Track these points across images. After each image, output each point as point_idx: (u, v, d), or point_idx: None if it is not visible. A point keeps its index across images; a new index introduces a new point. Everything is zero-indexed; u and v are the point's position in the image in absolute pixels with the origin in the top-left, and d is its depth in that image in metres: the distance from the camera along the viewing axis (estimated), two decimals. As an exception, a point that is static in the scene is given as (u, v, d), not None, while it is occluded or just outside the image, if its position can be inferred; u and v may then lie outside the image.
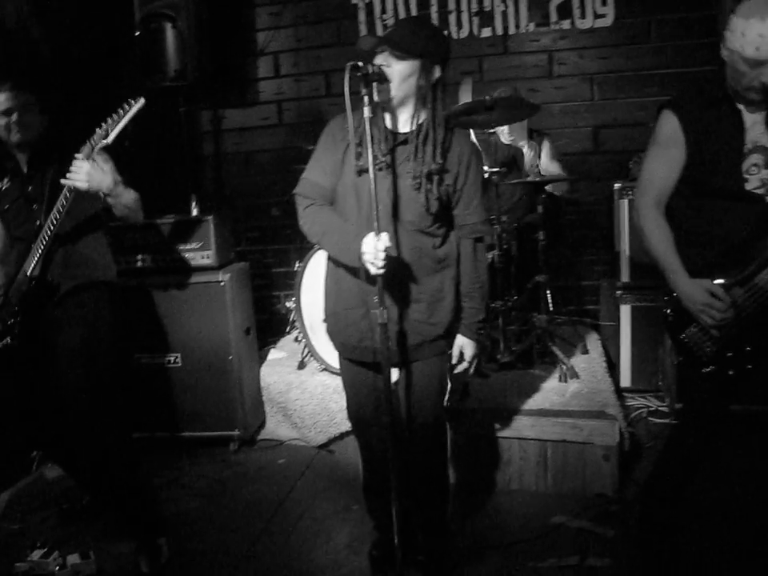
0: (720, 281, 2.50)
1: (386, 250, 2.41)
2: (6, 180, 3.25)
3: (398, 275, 2.61)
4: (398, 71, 2.49)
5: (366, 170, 2.45)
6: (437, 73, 2.55)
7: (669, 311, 2.66)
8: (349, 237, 2.55)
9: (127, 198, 3.14)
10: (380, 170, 2.54)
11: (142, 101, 2.81)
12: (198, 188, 5.55)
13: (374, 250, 2.40)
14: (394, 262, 2.53)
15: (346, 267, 2.68)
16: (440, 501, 3.04)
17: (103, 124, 2.85)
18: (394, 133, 2.63)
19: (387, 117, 2.63)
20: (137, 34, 4.95)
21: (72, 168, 2.87)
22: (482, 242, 2.78)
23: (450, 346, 2.84)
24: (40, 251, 3.00)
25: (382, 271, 2.43)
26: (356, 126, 2.48)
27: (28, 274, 3.03)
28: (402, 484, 2.69)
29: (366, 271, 2.50)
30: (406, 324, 2.71)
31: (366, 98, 2.41)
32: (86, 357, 3.06)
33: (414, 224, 2.63)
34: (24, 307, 3.06)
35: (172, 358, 4.34)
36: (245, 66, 5.83)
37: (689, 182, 2.59)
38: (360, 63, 2.40)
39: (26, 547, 3.32)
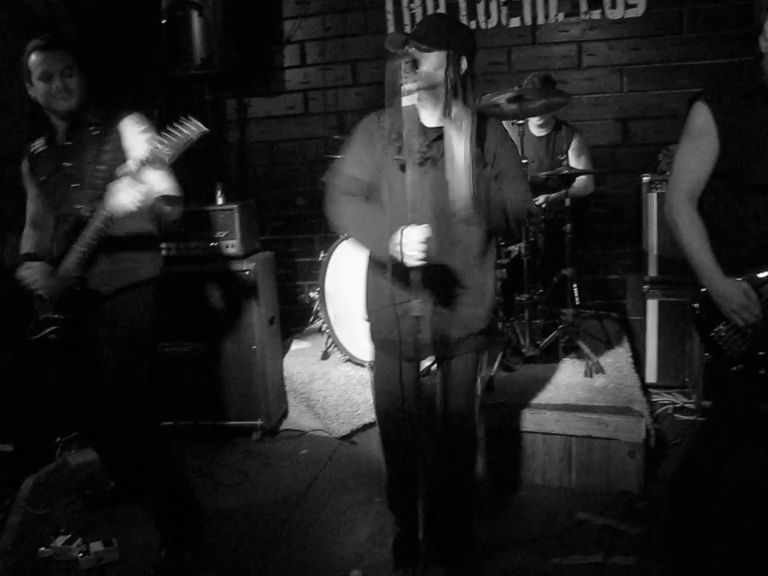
0: (763, 274, 2.47)
1: (426, 241, 2.39)
2: (41, 141, 3.17)
3: (440, 269, 2.61)
4: (429, 62, 2.51)
5: (404, 165, 2.47)
6: (463, 64, 2.55)
7: (698, 308, 2.61)
8: (383, 229, 2.50)
9: (171, 213, 3.05)
10: (421, 164, 2.53)
11: (202, 127, 2.60)
12: (223, 177, 5.55)
13: (413, 241, 2.39)
14: (434, 255, 2.48)
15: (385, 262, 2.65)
16: (467, 498, 3.02)
17: (155, 144, 2.57)
18: (431, 128, 2.64)
19: (422, 113, 2.63)
20: (163, 21, 4.94)
21: (117, 190, 2.70)
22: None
23: (488, 344, 2.86)
24: (84, 255, 2.91)
25: (419, 263, 2.41)
26: (393, 121, 2.53)
27: (70, 274, 2.97)
28: (430, 480, 2.67)
29: (395, 266, 2.47)
30: (450, 317, 2.71)
31: (404, 88, 2.40)
32: (126, 352, 3.05)
33: (457, 217, 2.57)
34: (66, 306, 3.05)
35: (196, 347, 4.34)
36: (271, 54, 5.80)
37: (721, 176, 2.53)
38: (402, 50, 2.44)
39: (49, 533, 3.34)
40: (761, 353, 2.49)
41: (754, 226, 2.49)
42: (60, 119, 3.07)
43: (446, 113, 2.55)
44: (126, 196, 2.67)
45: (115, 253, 3.03)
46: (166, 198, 2.95)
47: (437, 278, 2.62)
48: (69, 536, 3.26)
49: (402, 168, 2.53)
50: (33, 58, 2.96)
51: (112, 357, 3.04)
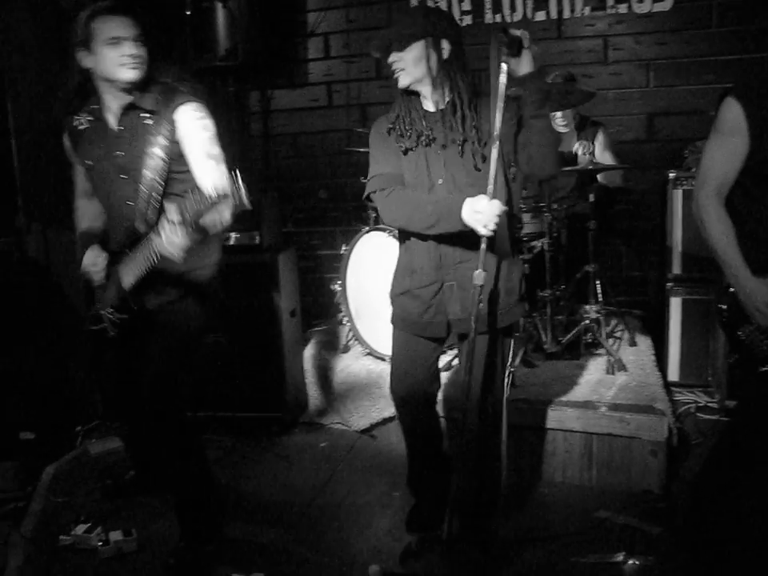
0: None
1: (500, 213, 2.50)
2: (85, 116, 2.97)
3: (452, 244, 2.72)
4: (408, 59, 2.62)
5: (411, 149, 2.70)
6: (445, 46, 2.62)
7: (724, 307, 2.54)
8: (448, 202, 2.61)
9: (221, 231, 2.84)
10: (427, 144, 2.68)
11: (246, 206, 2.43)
12: (246, 169, 5.55)
13: (489, 211, 2.48)
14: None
15: (420, 246, 2.77)
16: (491, 482, 3.01)
17: (201, 195, 2.39)
18: (431, 113, 2.73)
19: (422, 99, 2.74)
20: (188, 13, 4.95)
21: (164, 239, 2.53)
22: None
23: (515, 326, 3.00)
24: (140, 271, 2.81)
25: (491, 233, 2.52)
26: (395, 114, 2.74)
27: (125, 287, 2.91)
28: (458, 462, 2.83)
29: (445, 238, 2.67)
30: (461, 293, 2.75)
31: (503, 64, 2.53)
32: (176, 356, 3.03)
33: (476, 184, 2.65)
34: (121, 308, 3.00)
35: (217, 338, 4.34)
36: (294, 46, 5.80)
37: (750, 174, 2.46)
38: (509, 32, 2.57)
39: (69, 521, 3.36)
40: None
41: None
42: (118, 93, 2.85)
43: (444, 100, 2.70)
44: (171, 248, 2.54)
45: (169, 267, 2.81)
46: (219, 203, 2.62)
47: (463, 254, 2.72)
48: (89, 524, 3.28)
49: (405, 152, 2.71)
50: (98, 21, 2.76)
51: (161, 358, 3.00)
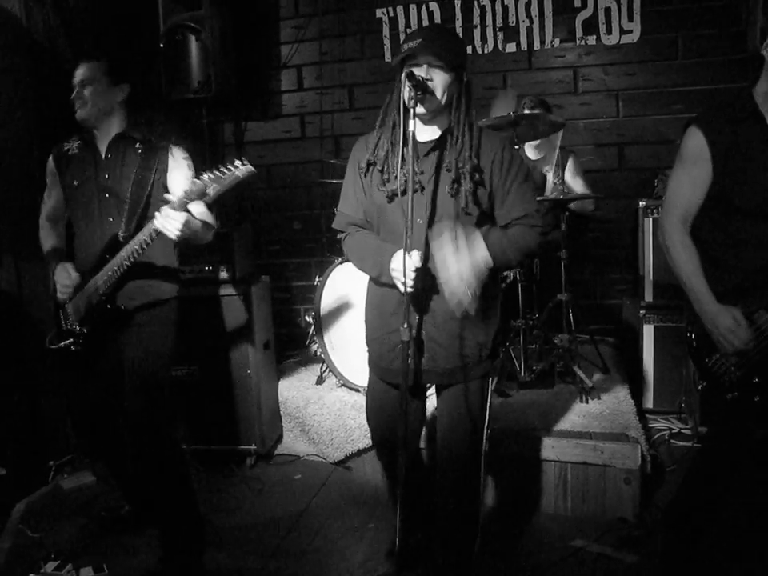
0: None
1: (416, 270, 2.45)
2: (76, 143, 3.24)
3: (437, 294, 2.62)
4: (441, 82, 2.53)
5: (398, 195, 2.57)
6: (466, 79, 2.62)
7: (692, 335, 2.58)
8: (384, 256, 2.59)
9: (204, 238, 3.13)
10: (415, 191, 2.56)
11: (249, 167, 2.64)
12: (219, 200, 5.55)
13: (402, 267, 2.43)
14: (428, 280, 2.56)
15: (387, 290, 2.69)
16: (463, 542, 2.91)
17: (203, 178, 2.64)
18: (423, 143, 2.66)
19: (417, 129, 2.61)
20: (161, 45, 4.96)
21: (164, 216, 2.75)
22: (533, 228, 2.69)
23: (490, 371, 2.82)
24: (116, 275, 2.98)
25: (411, 290, 2.46)
26: (377, 148, 2.66)
27: (100, 292, 3.03)
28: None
29: (393, 291, 2.60)
30: (450, 342, 2.68)
31: (412, 111, 2.45)
32: (151, 368, 3.11)
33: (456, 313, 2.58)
34: (91, 321, 3.09)
35: (190, 371, 4.32)
36: (268, 78, 5.83)
37: (715, 201, 2.50)
38: (414, 71, 2.47)
39: (40, 558, 3.31)
40: (755, 380, 2.44)
41: (747, 252, 2.46)
42: (95, 129, 3.17)
43: (441, 129, 2.64)
44: (170, 223, 2.74)
45: (140, 272, 3.06)
46: (204, 225, 3.03)
47: (436, 301, 2.63)
48: (59, 561, 3.23)
49: (390, 199, 2.61)
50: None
51: (136, 372, 3.08)
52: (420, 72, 2.49)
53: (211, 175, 2.61)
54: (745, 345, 2.39)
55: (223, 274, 4.32)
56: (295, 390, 4.59)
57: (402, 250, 2.45)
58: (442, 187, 2.59)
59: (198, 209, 2.92)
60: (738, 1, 4.78)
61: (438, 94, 2.53)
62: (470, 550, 2.92)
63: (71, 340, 3.12)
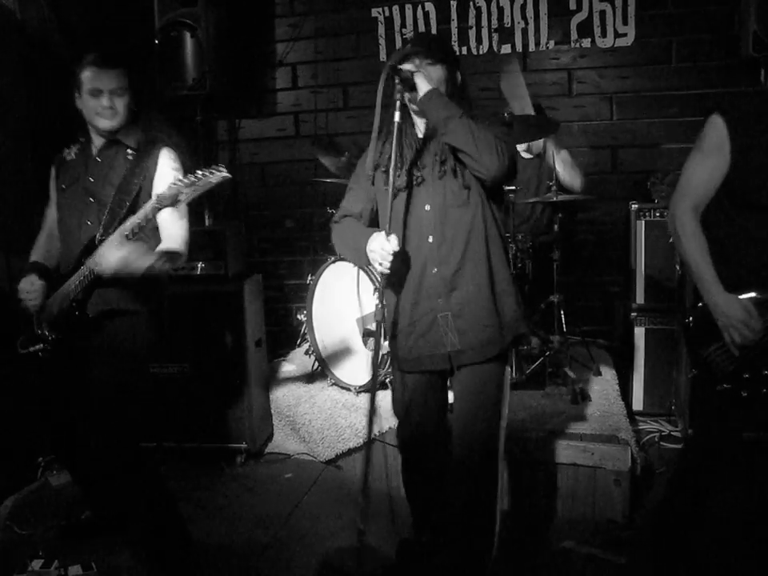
0: (750, 295, 2.43)
1: (393, 253, 2.51)
2: (74, 149, 3.21)
3: (440, 272, 2.68)
4: (434, 75, 2.61)
5: (402, 189, 2.66)
6: (459, 78, 2.71)
7: (690, 322, 2.57)
8: (363, 238, 2.63)
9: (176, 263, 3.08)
10: (419, 183, 2.68)
11: (226, 174, 2.60)
12: (212, 198, 5.54)
13: (380, 249, 2.52)
14: (396, 268, 2.60)
15: (402, 276, 2.73)
16: (479, 539, 2.83)
17: (177, 183, 2.59)
18: (421, 138, 2.75)
19: (417, 123, 2.76)
20: (156, 42, 4.95)
21: (108, 252, 2.73)
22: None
23: (510, 351, 2.86)
24: (89, 279, 2.89)
25: (387, 271, 2.54)
26: (383, 150, 2.74)
27: (71, 296, 2.98)
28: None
29: (429, 263, 2.68)
30: (458, 322, 2.69)
31: (398, 103, 2.55)
32: (117, 387, 3.02)
33: (464, 204, 2.66)
34: (60, 325, 3.05)
35: (181, 368, 4.31)
36: (263, 76, 5.84)
37: (730, 193, 2.47)
38: (398, 65, 2.55)
39: (26, 556, 3.29)
40: (746, 375, 2.44)
41: (757, 246, 2.44)
42: (98, 135, 3.11)
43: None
44: (112, 259, 2.73)
45: (114, 281, 2.95)
46: (167, 254, 2.97)
47: (440, 279, 2.68)
48: (44, 560, 3.21)
49: (394, 196, 2.62)
50: (87, 72, 3.00)
51: (102, 381, 3.00)
52: (410, 66, 2.59)
53: (186, 180, 2.57)
54: (755, 335, 2.38)
55: (215, 271, 4.31)
56: (286, 389, 4.59)
57: (380, 232, 2.56)
58: (443, 174, 2.66)
59: (172, 230, 2.99)
60: (732, 6, 4.79)
61: (433, 84, 2.59)
62: (483, 564, 2.83)
63: (41, 346, 3.09)
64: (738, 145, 2.41)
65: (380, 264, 2.54)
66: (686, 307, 2.63)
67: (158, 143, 3.10)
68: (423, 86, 2.55)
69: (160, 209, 2.66)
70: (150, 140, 3.11)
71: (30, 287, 3.09)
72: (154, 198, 2.66)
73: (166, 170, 3.04)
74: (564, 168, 4.63)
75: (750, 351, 2.42)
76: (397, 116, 2.53)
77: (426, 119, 2.67)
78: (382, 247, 2.52)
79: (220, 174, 2.58)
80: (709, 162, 2.48)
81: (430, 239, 2.67)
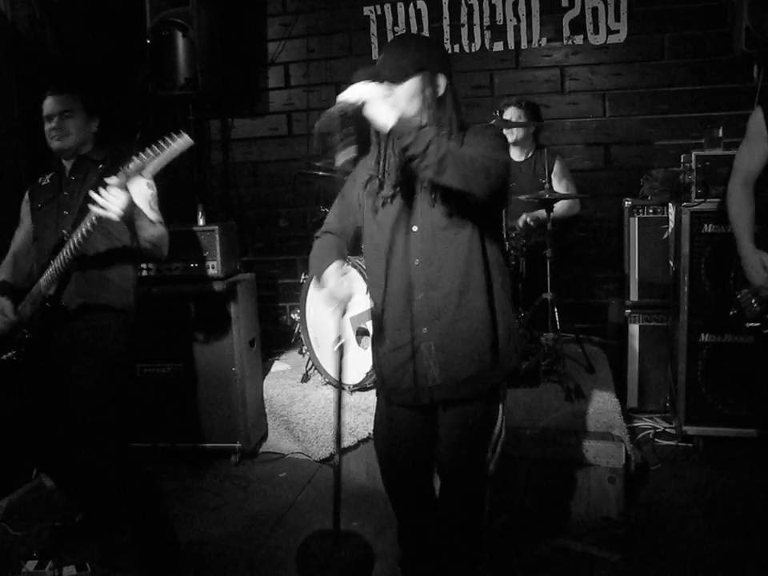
0: None
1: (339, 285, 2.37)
2: (48, 177, 3.33)
3: (442, 294, 2.44)
4: (401, 94, 2.35)
5: (387, 201, 2.46)
6: (442, 81, 2.41)
7: (734, 273, 3.25)
8: (320, 269, 2.49)
9: (151, 232, 3.00)
10: (404, 196, 2.44)
11: (187, 138, 2.58)
12: (205, 198, 5.54)
13: (335, 284, 2.37)
14: (343, 299, 2.40)
15: (390, 296, 2.49)
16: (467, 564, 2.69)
17: (141, 154, 2.60)
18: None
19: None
20: (148, 41, 4.94)
21: (103, 197, 2.69)
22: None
23: (503, 387, 2.57)
24: (58, 272, 2.96)
25: (339, 309, 2.39)
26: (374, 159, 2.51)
27: (42, 292, 3.01)
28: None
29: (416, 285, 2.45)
30: (440, 355, 2.46)
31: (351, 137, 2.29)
32: (98, 385, 3.00)
33: (450, 226, 2.41)
34: (35, 324, 3.05)
35: (175, 368, 4.31)
36: (255, 75, 5.82)
37: None
38: (337, 109, 2.25)
39: (21, 556, 3.29)
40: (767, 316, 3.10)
41: None
42: (64, 159, 3.26)
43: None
44: (111, 201, 2.69)
45: (90, 278, 3.07)
46: (152, 245, 3.06)
47: (423, 309, 2.44)
48: (38, 561, 3.20)
49: (383, 204, 2.48)
50: (44, 102, 3.21)
51: (81, 379, 3.00)
52: (381, 90, 2.30)
53: (149, 152, 2.60)
54: (765, 283, 3.04)
55: (209, 271, 4.31)
56: (280, 388, 4.58)
57: (337, 262, 2.44)
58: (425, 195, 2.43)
59: (152, 231, 3.01)
60: (724, 2, 4.80)
61: (402, 104, 2.33)
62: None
63: (14, 351, 3.08)
64: None
65: (332, 299, 2.38)
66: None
67: (129, 153, 3.00)
68: (381, 118, 2.22)
69: (127, 180, 2.66)
70: (119, 154, 3.18)
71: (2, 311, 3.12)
72: (120, 172, 2.67)
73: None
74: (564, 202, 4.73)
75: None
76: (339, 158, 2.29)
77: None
78: (336, 282, 2.37)
79: (182, 140, 2.59)
80: (751, 145, 3.16)
81: (416, 262, 2.43)
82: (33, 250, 3.29)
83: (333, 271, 2.41)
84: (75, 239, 2.85)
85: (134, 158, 2.61)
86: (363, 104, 2.23)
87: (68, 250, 2.90)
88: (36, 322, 3.06)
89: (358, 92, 2.23)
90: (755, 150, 3.13)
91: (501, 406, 2.56)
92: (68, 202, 3.15)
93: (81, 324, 3.07)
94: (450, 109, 2.42)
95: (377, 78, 2.34)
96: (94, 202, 2.76)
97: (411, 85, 2.36)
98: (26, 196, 3.39)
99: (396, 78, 2.34)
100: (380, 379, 2.64)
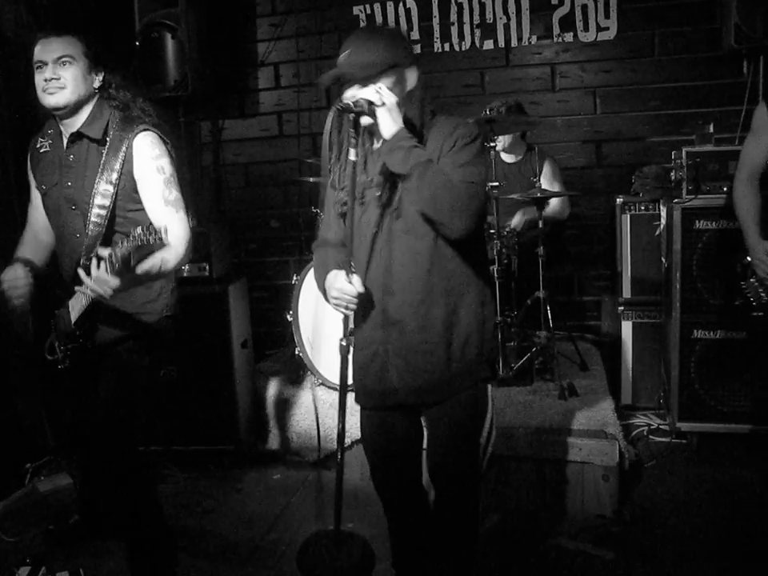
0: None
1: (358, 295, 2.32)
2: (47, 139, 2.90)
3: (400, 300, 2.40)
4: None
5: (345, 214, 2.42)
6: (412, 74, 2.36)
7: (745, 262, 3.24)
8: (324, 275, 2.48)
9: (169, 268, 2.68)
10: (361, 203, 2.42)
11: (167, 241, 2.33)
12: (197, 199, 5.53)
13: (342, 294, 2.33)
14: (368, 303, 2.41)
15: (366, 297, 2.39)
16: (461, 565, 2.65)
17: (126, 241, 2.27)
18: (376, 149, 2.43)
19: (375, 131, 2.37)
20: (137, 43, 4.93)
21: (92, 283, 2.41)
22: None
23: (484, 389, 2.52)
24: (80, 310, 2.72)
25: (349, 312, 2.38)
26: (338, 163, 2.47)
27: (72, 319, 2.79)
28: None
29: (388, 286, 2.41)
30: (397, 360, 2.44)
31: (352, 140, 2.27)
32: (119, 403, 2.87)
33: (412, 231, 2.36)
34: (68, 341, 2.87)
35: (167, 371, 4.28)
36: (245, 76, 5.81)
37: None
38: (348, 103, 2.23)
39: (13, 563, 3.27)
40: None
41: None
42: (61, 118, 2.79)
43: None
44: (98, 285, 2.41)
45: (109, 310, 2.78)
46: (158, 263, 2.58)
47: (397, 311, 2.41)
48: (31, 567, 3.19)
49: (342, 216, 2.49)
50: (35, 47, 2.71)
51: (107, 407, 2.89)
52: (350, 92, 2.29)
53: (130, 240, 2.27)
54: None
55: (201, 273, 4.28)
56: (274, 390, 4.57)
57: (339, 272, 2.37)
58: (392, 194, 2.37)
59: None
60: (713, -1, 4.81)
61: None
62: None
63: (59, 356, 2.91)
64: None
65: (345, 308, 2.35)
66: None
67: (133, 128, 2.76)
68: (386, 127, 2.23)
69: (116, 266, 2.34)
70: (123, 126, 2.77)
71: (14, 275, 2.84)
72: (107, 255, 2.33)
73: (146, 167, 2.76)
74: (555, 202, 4.73)
75: None
76: (352, 154, 2.27)
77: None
78: (343, 291, 2.32)
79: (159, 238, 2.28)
80: (755, 139, 3.21)
81: (378, 266, 2.40)
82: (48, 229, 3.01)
83: (335, 275, 2.39)
84: (86, 298, 2.64)
85: (122, 243, 2.28)
86: (373, 106, 2.22)
87: (86, 297, 2.65)
88: (68, 343, 2.85)
89: (384, 95, 2.22)
90: (759, 142, 3.19)
91: (489, 407, 2.52)
92: (74, 197, 2.78)
93: (112, 357, 2.89)
94: (419, 101, 2.36)
95: (345, 78, 2.31)
96: (105, 202, 2.68)
97: (387, 83, 2.28)
98: (29, 162, 2.98)
99: (368, 79, 2.27)
100: (356, 379, 2.61)
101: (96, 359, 2.91)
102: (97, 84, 2.79)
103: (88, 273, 2.45)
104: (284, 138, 5.81)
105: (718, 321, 3.98)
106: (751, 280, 3.19)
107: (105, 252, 2.35)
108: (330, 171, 2.53)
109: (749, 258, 3.18)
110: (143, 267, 2.43)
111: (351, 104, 2.23)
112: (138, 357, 2.93)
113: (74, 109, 2.76)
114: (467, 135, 2.32)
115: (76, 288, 2.68)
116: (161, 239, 2.25)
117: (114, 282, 2.37)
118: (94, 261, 2.40)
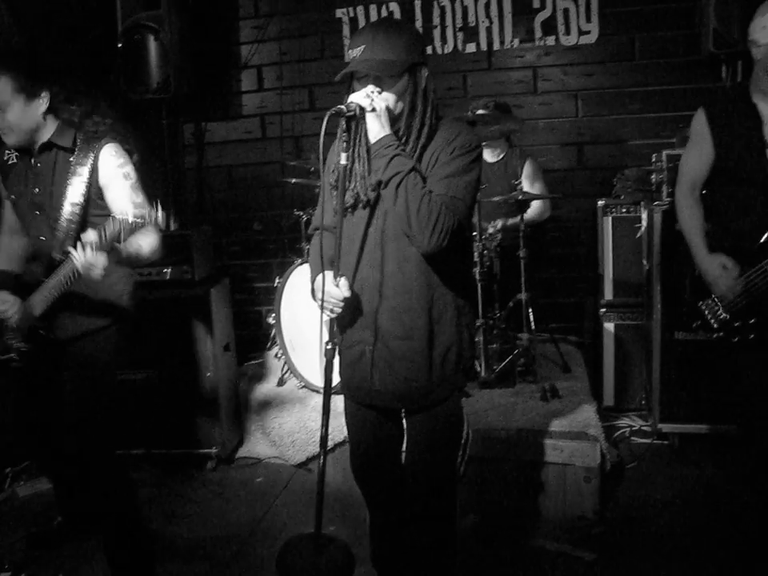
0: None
1: (344, 300, 2.32)
2: (14, 154, 2.96)
3: (388, 305, 2.40)
4: (391, 97, 2.30)
5: (352, 208, 2.40)
6: (426, 73, 2.35)
7: (688, 282, 3.07)
8: (314, 272, 2.50)
9: (143, 254, 2.82)
10: (365, 206, 2.39)
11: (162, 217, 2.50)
12: (180, 202, 5.51)
13: (329, 297, 2.33)
14: (355, 306, 2.41)
15: (354, 295, 2.41)
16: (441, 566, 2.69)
17: (117, 219, 2.42)
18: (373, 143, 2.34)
19: (370, 132, 2.30)
20: (119, 45, 4.92)
21: (80, 259, 2.48)
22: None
23: (459, 390, 2.57)
24: (46, 303, 2.77)
25: (333, 315, 2.39)
26: (334, 176, 2.44)
27: (35, 313, 2.81)
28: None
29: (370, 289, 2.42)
30: (380, 363, 2.45)
31: (344, 144, 2.28)
32: (87, 390, 2.92)
33: (401, 237, 2.34)
34: (27, 338, 2.90)
35: (149, 375, 4.27)
36: (228, 79, 5.81)
37: (720, 173, 2.92)
38: (342, 108, 2.23)
39: (-8, 569, 3.26)
40: (737, 324, 2.86)
41: (746, 218, 2.83)
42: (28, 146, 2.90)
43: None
44: (89, 268, 2.49)
45: (75, 302, 2.85)
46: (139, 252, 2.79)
47: (383, 316, 2.41)
48: (11, 573, 3.17)
49: (347, 210, 2.44)
50: None
51: (73, 393, 2.92)
52: (366, 89, 2.26)
53: (121, 221, 2.43)
54: (727, 289, 2.82)
55: (183, 276, 4.27)
56: (256, 392, 4.57)
57: (327, 273, 2.35)
58: (390, 193, 2.30)
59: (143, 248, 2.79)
60: (692, 3, 4.85)
61: (391, 104, 2.29)
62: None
63: (12, 355, 2.94)
64: (717, 132, 2.89)
65: (330, 311, 2.37)
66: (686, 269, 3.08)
67: (99, 137, 2.89)
68: (373, 132, 2.26)
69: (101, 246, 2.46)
70: (88, 135, 2.90)
71: (3, 302, 2.87)
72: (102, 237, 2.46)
73: (112, 175, 2.87)
74: (536, 204, 4.76)
75: (737, 301, 2.83)
76: (343, 158, 2.28)
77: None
78: (329, 294, 2.32)
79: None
80: (695, 149, 2.98)
81: (364, 263, 2.42)
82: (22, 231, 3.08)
83: (322, 277, 2.37)
84: (60, 282, 2.69)
85: (112, 220, 2.43)
86: (363, 110, 2.23)
87: (56, 287, 2.71)
88: (28, 339, 2.91)
89: (375, 100, 2.24)
90: (699, 152, 2.96)
91: (463, 414, 2.63)
92: (38, 203, 2.88)
93: (77, 346, 2.92)
94: (429, 101, 2.34)
95: (359, 75, 2.31)
96: (75, 207, 2.76)
97: (400, 85, 2.30)
98: None
99: (385, 79, 2.27)
100: (341, 374, 2.63)
101: (56, 356, 2.95)
102: (44, 106, 2.84)
103: (56, 267, 2.65)
104: (267, 141, 5.80)
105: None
106: (708, 300, 2.93)
107: (90, 236, 2.46)
108: (332, 171, 2.49)
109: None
110: (128, 249, 2.65)
111: (344, 108, 2.24)
112: (102, 348, 2.98)
113: (30, 137, 2.86)
114: (464, 145, 2.30)
115: (44, 282, 2.76)
116: (146, 217, 2.44)
117: (101, 260, 2.47)
118: (79, 245, 2.47)
